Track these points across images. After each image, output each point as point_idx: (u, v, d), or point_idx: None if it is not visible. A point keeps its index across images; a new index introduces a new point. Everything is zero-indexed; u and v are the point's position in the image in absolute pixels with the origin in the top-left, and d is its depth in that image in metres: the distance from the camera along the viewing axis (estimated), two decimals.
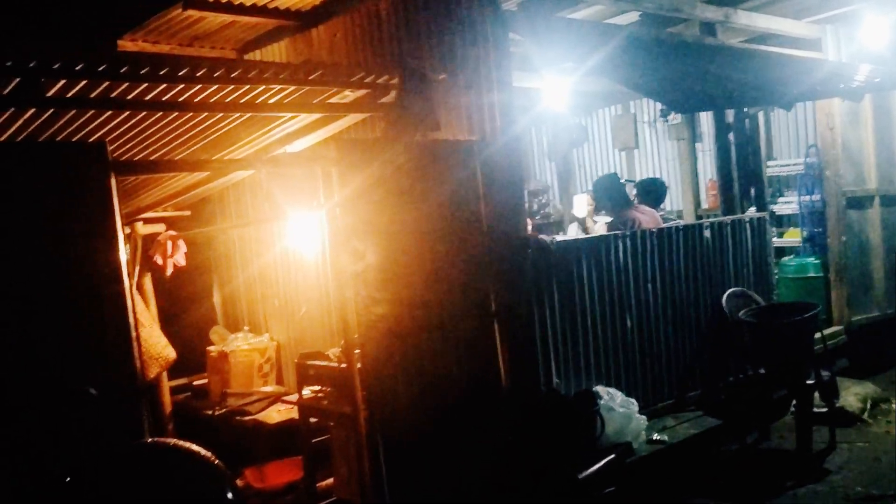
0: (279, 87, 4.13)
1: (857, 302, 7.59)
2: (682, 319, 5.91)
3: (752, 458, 5.65)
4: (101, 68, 3.44)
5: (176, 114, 4.12)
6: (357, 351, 4.27)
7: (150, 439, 1.31)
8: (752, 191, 7.12)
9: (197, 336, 7.13)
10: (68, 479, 1.27)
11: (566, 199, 10.69)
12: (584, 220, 7.25)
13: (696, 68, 5.00)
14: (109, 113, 3.87)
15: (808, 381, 5.60)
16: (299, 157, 4.82)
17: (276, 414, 6.06)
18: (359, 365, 4.30)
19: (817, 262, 7.70)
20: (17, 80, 3.30)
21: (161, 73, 3.62)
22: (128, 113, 3.95)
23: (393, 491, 4.11)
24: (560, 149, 10.78)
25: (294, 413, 5.94)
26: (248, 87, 4.03)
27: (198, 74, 3.72)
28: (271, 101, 4.27)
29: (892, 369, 7.28)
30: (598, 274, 5.33)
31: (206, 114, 4.23)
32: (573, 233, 7.42)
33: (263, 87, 4.06)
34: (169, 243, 6.26)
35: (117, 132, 4.23)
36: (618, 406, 4.88)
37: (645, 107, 10.24)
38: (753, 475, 5.33)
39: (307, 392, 5.30)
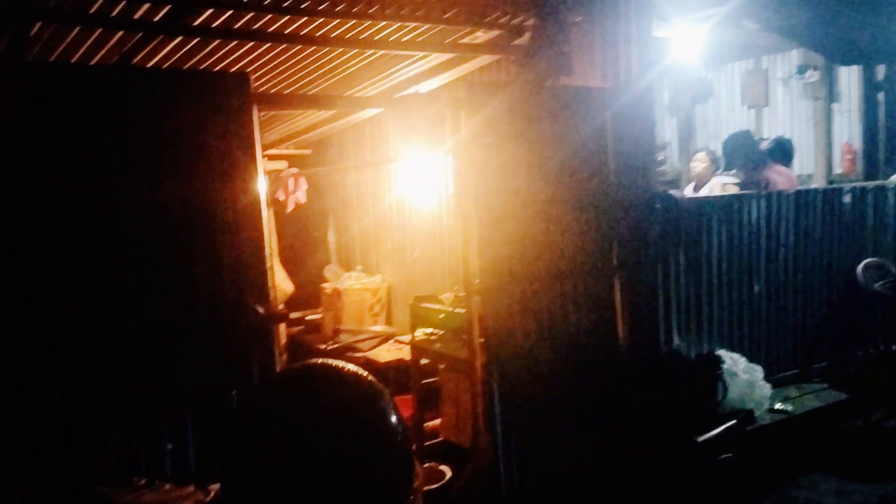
0: (413, 24, 4.06)
1: None
2: (812, 287, 5.60)
3: (877, 435, 5.35)
4: None
5: (310, 50, 4.13)
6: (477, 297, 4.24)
7: (318, 360, 1.32)
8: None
9: (311, 273, 7.32)
10: (234, 393, 1.29)
11: (685, 157, 10.29)
12: (701, 178, 6.94)
13: (854, 18, 4.62)
14: (249, 45, 3.91)
15: None
16: (430, 97, 4.77)
17: (386, 353, 6.18)
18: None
19: None
20: (168, 7, 3.35)
21: (302, 5, 3.61)
22: (266, 47, 3.98)
23: (506, 439, 4.10)
24: (682, 104, 10.32)
25: (403, 353, 6.04)
26: (383, 23, 3.98)
27: (338, 9, 3.70)
28: (404, 39, 4.22)
29: None
30: (728, 234, 5.09)
31: (339, 51, 4.23)
32: (690, 192, 7.12)
33: (399, 24, 4.00)
34: (291, 180, 6.40)
35: (251, 66, 4.29)
36: (741, 372, 4.69)
37: (779, 63, 9.64)
38: (877, 454, 5.06)
39: (419, 334, 5.36)
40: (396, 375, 5.81)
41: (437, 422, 5.32)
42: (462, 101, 4.07)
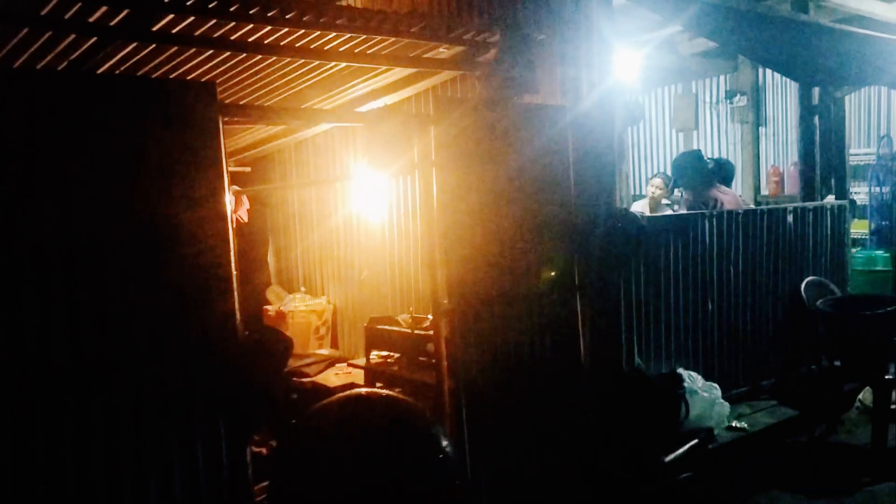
0: (379, 37, 3.94)
1: None
2: (760, 305, 5.73)
3: (824, 451, 5.48)
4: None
5: (270, 60, 3.97)
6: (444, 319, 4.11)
7: (363, 390, 1.21)
8: (831, 178, 6.88)
9: (247, 294, 7.02)
10: (294, 422, 1.17)
11: (617, 177, 10.46)
12: (654, 201, 7.08)
13: (808, 43, 4.78)
14: (207, 54, 3.71)
15: (888, 377, 5.42)
16: (398, 111, 4.64)
17: (335, 377, 5.97)
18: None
19: (887, 255, 7.47)
20: (127, 11, 3.13)
21: (269, 13, 3.44)
22: (224, 56, 3.79)
23: (475, 463, 3.98)
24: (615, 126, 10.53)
25: (353, 377, 5.85)
26: (348, 35, 3.84)
27: (304, 19, 3.55)
28: (369, 52, 4.09)
29: None
30: (683, 253, 5.16)
31: (300, 62, 4.07)
32: (638, 210, 7.24)
33: (365, 37, 3.88)
34: (232, 198, 6.13)
35: (206, 77, 4.08)
36: (700, 390, 4.73)
37: (707, 87, 9.98)
38: (828, 469, 5.17)
39: (374, 357, 5.20)
40: None
41: None
42: (429, 116, 3.97)
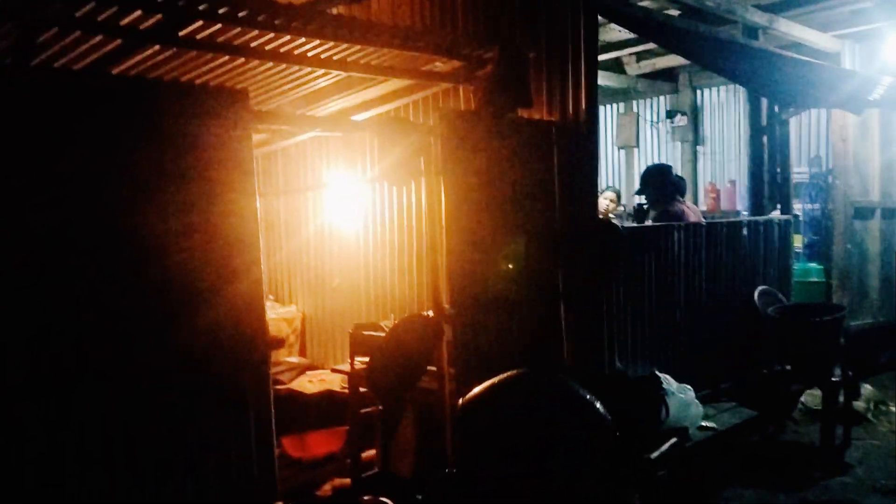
0: (386, 49, 4.06)
1: (855, 308, 7.90)
2: (720, 312, 6.08)
3: (777, 449, 5.84)
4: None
5: (282, 68, 4.02)
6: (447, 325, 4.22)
7: (523, 370, 1.36)
8: (777, 194, 7.33)
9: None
10: (469, 399, 1.28)
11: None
12: (607, 214, 7.37)
13: (764, 65, 5.16)
14: (222, 59, 3.75)
15: (834, 379, 5.83)
16: (405, 122, 4.75)
17: (310, 384, 5.98)
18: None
19: (820, 267, 7.99)
20: (159, 16, 3.15)
21: (293, 24, 3.51)
22: (238, 62, 3.83)
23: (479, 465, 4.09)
24: None
25: (328, 384, 5.89)
26: (358, 47, 3.95)
27: (324, 30, 3.63)
28: (373, 63, 4.20)
29: (883, 374, 7.64)
30: (656, 262, 5.43)
31: (307, 70, 4.15)
32: None
33: (373, 49, 3.99)
34: None
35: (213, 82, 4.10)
36: (676, 392, 4.99)
37: (648, 106, 10.44)
38: (781, 464, 5.52)
39: (359, 362, 5.24)
40: (328, 407, 5.64)
41: (373, 452, 5.22)
42: (434, 128, 4.10)
